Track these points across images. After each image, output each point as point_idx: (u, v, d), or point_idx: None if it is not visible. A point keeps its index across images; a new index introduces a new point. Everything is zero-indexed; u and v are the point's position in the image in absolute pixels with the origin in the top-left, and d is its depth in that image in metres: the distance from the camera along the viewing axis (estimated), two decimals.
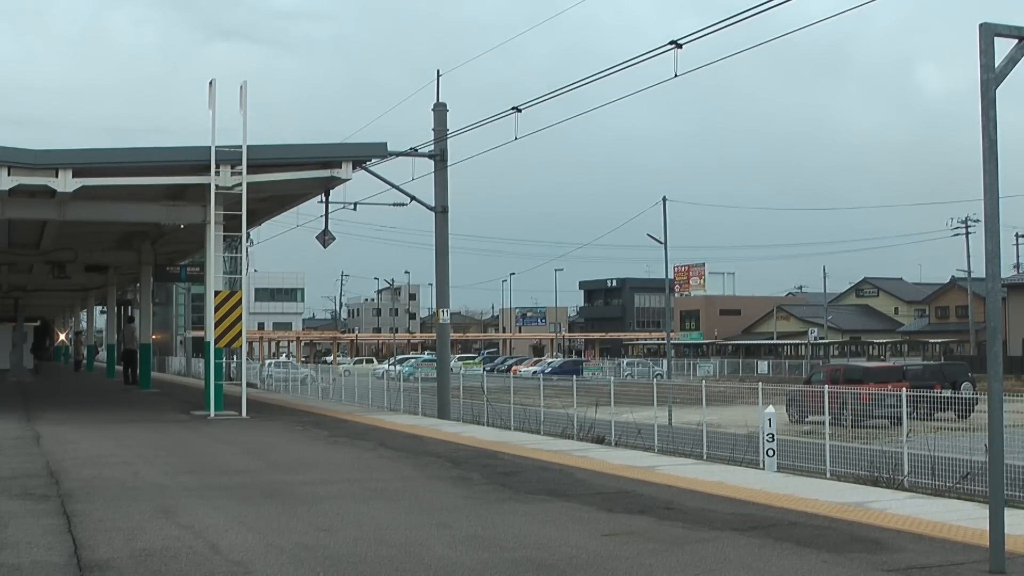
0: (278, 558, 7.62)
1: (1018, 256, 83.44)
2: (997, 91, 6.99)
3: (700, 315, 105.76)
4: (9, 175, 20.08)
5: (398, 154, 25.82)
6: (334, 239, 27.79)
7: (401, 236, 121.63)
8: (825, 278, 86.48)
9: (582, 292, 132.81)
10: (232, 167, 21.41)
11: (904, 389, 18.63)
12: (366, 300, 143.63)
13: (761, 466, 16.99)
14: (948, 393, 22.56)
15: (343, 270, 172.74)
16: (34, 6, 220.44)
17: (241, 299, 22.28)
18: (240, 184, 21.32)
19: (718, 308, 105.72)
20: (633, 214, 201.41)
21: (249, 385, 25.16)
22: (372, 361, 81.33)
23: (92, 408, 25.62)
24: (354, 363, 77.68)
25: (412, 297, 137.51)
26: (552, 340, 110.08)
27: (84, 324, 68.24)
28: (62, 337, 64.10)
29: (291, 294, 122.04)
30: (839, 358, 72.15)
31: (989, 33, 7.00)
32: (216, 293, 22.07)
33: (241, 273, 24.79)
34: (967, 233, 75.97)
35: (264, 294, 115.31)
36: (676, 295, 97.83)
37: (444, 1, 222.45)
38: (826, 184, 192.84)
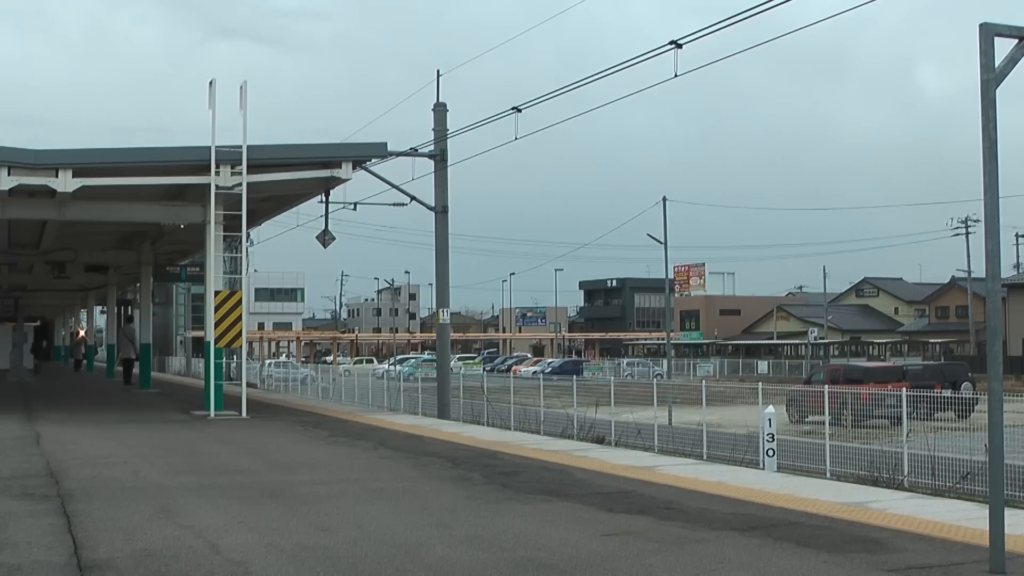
0: (278, 558, 7.62)
1: (1018, 256, 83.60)
2: (997, 91, 6.99)
3: (700, 315, 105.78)
4: (9, 175, 20.07)
5: (398, 154, 25.83)
6: (334, 239, 27.81)
7: (401, 236, 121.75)
8: (825, 278, 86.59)
9: (582, 292, 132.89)
10: (232, 167, 21.41)
11: (904, 389, 18.64)
12: (366, 300, 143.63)
13: (761, 466, 16.99)
14: (948, 393, 22.59)
15: (343, 270, 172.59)
16: (35, 6, 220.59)
17: (241, 299, 22.28)
18: (240, 184, 21.32)
19: (718, 308, 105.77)
20: (633, 214, 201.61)
21: (249, 385, 25.16)
22: (372, 361, 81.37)
23: (92, 408, 25.61)
24: (354, 363, 77.66)
25: (412, 297, 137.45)
26: (552, 340, 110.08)
27: (84, 324, 68.13)
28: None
29: (291, 294, 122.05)
30: (839, 358, 72.11)
31: (989, 33, 7.00)
32: (216, 293, 22.07)
33: (241, 273, 24.76)
34: (967, 233, 75.97)
35: (264, 294, 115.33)
36: (676, 295, 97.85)
37: (445, 1, 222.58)
38: (826, 184, 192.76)
